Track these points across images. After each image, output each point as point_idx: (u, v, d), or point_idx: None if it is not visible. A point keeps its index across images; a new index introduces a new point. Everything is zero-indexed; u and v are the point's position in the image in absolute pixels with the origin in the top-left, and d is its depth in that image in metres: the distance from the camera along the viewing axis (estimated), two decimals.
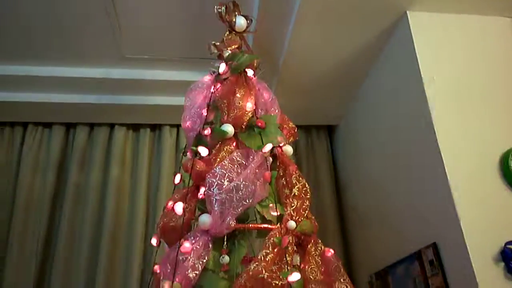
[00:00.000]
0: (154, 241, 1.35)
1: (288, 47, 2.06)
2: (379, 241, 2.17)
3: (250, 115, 1.42)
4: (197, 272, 1.14)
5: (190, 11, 2.00)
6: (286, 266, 1.15)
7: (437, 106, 1.65)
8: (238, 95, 1.41)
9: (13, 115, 2.46)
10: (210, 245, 1.20)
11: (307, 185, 1.36)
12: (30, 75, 2.27)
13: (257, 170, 1.27)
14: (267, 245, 1.18)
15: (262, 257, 1.14)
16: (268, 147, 1.34)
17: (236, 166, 1.26)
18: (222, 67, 1.56)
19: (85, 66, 2.30)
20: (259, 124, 1.40)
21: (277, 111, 1.50)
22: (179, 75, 2.39)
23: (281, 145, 1.47)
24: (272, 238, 1.19)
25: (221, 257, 1.20)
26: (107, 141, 2.57)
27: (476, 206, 1.48)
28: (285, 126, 1.54)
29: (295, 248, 1.26)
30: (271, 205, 1.28)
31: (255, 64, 1.69)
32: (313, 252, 1.31)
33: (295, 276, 1.12)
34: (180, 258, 1.14)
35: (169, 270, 1.13)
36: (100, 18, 1.97)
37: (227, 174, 1.23)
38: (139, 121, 2.63)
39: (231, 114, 1.39)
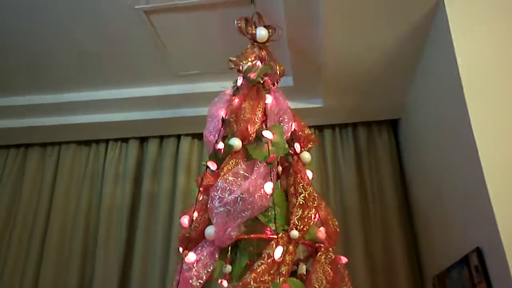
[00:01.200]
0: (181, 250, 1.46)
1: (324, 48, 2.03)
2: (439, 242, 2.02)
3: (257, 127, 1.46)
4: (201, 281, 1.23)
5: (225, 24, 2.08)
6: (278, 277, 1.17)
7: (474, 105, 1.48)
8: (245, 107, 1.45)
9: (96, 133, 2.83)
10: (217, 255, 1.28)
11: (315, 193, 1.35)
12: (106, 98, 2.58)
13: (260, 181, 1.31)
14: (263, 255, 1.21)
15: (256, 268, 1.18)
16: (273, 157, 1.37)
17: (239, 179, 1.32)
18: (239, 81, 1.62)
19: (146, 86, 2.54)
20: (267, 134, 1.42)
21: (286, 119, 1.50)
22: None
23: (297, 152, 1.48)
24: (267, 249, 1.22)
25: (224, 266, 1.27)
26: (175, 151, 2.79)
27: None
28: (300, 133, 1.54)
29: (300, 257, 1.26)
30: (269, 214, 1.30)
31: (278, 73, 1.72)
32: (323, 260, 1.30)
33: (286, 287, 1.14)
34: (185, 267, 1.24)
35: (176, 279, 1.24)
36: (146, 43, 2.16)
37: (228, 188, 1.29)
38: (201, 131, 2.81)
39: (239, 127, 1.44)
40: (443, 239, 1.93)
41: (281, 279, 1.17)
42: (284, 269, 1.20)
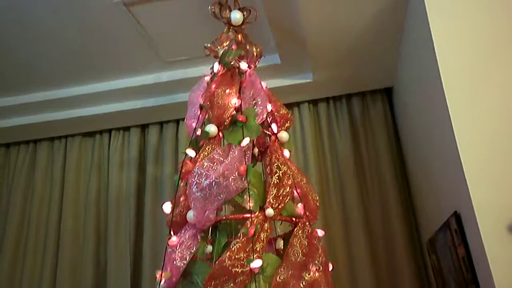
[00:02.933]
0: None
1: (303, 22, 2.03)
2: (429, 208, 2.06)
3: (232, 111, 1.50)
4: (185, 261, 1.32)
5: (206, 9, 2.10)
6: (252, 254, 1.24)
7: (449, 79, 1.49)
8: (219, 93, 1.50)
9: (99, 124, 2.93)
10: (199, 237, 1.37)
11: (289, 171, 1.41)
12: (104, 90, 2.65)
13: (234, 165, 1.37)
14: (239, 234, 1.29)
15: (231, 247, 1.26)
16: (246, 141, 1.42)
17: (215, 164, 1.38)
18: (216, 67, 1.66)
19: (140, 75, 2.60)
20: (240, 118, 1.47)
21: (260, 101, 1.54)
22: None
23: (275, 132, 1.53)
24: (243, 228, 1.29)
25: (206, 247, 1.36)
26: (175, 136, 2.87)
27: (486, 176, 1.34)
28: (276, 114, 1.58)
29: (278, 233, 1.33)
30: (245, 196, 1.37)
31: (255, 55, 1.75)
32: (300, 234, 1.37)
33: (257, 263, 1.22)
34: (169, 250, 1.33)
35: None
36: (132, 34, 2.21)
37: (204, 173, 1.36)
38: None
39: (214, 113, 1.49)
40: (431, 204, 1.97)
41: (255, 255, 1.25)
42: (258, 246, 1.27)
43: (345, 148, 2.61)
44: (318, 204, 1.55)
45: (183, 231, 1.38)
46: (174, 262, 1.31)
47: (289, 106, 2.76)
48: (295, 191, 1.49)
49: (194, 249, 1.35)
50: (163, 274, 1.32)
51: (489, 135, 1.38)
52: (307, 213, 1.49)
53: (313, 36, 2.14)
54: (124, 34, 2.21)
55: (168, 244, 1.35)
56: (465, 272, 1.45)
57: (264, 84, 1.67)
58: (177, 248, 1.33)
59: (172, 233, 1.48)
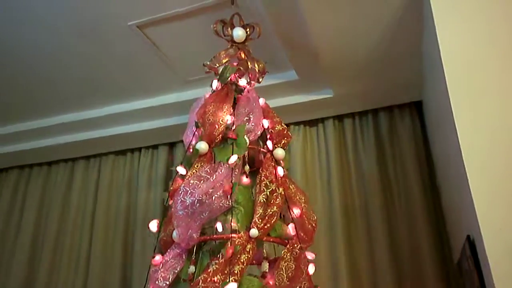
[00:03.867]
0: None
1: (314, 37, 1.97)
2: (455, 229, 1.88)
3: (223, 128, 1.48)
4: (168, 282, 1.29)
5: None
6: (229, 276, 1.19)
7: (456, 93, 1.37)
8: (209, 110, 1.48)
9: (130, 142, 3.03)
10: (184, 256, 1.34)
11: (278, 190, 1.34)
12: (129, 110, 2.76)
13: (219, 183, 1.34)
14: (218, 255, 1.24)
15: (207, 268, 1.21)
16: (233, 158, 1.38)
17: (202, 181, 1.35)
18: (215, 84, 1.65)
19: (161, 95, 2.67)
20: (230, 135, 1.44)
21: (252, 118, 1.50)
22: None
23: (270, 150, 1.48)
24: (223, 249, 1.24)
25: (188, 267, 1.32)
26: None
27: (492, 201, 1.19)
28: (271, 130, 1.53)
29: (263, 255, 1.27)
30: (228, 217, 1.32)
31: (257, 70, 1.72)
32: (288, 257, 1.29)
33: (231, 286, 1.16)
34: (152, 269, 1.31)
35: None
36: (149, 55, 2.28)
37: (189, 191, 1.33)
38: None
39: (206, 131, 1.47)
40: (456, 225, 1.80)
41: (231, 278, 1.19)
42: (237, 268, 1.22)
43: (371, 164, 2.48)
44: (315, 226, 1.46)
45: (169, 251, 1.36)
46: (157, 282, 1.29)
47: (313, 122, 2.71)
48: (290, 211, 1.42)
49: (178, 269, 1.32)
50: None
51: (497, 155, 1.24)
52: (302, 234, 1.41)
53: (326, 50, 2.08)
54: (141, 55, 2.29)
55: (152, 263, 1.34)
56: None
57: (262, 100, 1.64)
58: (161, 267, 1.31)
59: (156, 252, 1.46)
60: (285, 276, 1.25)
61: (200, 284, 1.18)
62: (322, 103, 2.50)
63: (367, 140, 2.56)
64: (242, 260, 1.24)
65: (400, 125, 2.51)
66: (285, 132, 1.59)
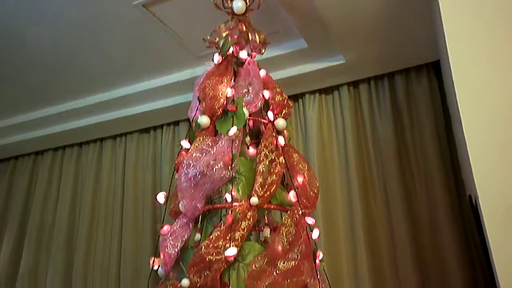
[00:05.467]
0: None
1: (319, 2, 1.94)
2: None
3: (223, 101, 1.51)
4: (177, 249, 1.37)
5: None
6: (230, 242, 1.25)
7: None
8: (209, 84, 1.51)
9: (152, 121, 3.14)
10: (191, 225, 1.41)
11: (277, 159, 1.38)
12: (147, 89, 2.84)
13: (220, 155, 1.38)
14: (220, 223, 1.30)
15: (210, 235, 1.28)
16: (233, 130, 1.42)
17: (204, 154, 1.41)
18: (216, 58, 1.67)
19: (178, 71, 2.73)
20: (230, 108, 1.47)
21: (251, 89, 1.51)
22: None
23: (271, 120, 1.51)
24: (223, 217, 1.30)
25: (195, 235, 1.39)
26: None
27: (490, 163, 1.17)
28: (272, 101, 1.55)
29: (263, 222, 1.33)
30: (229, 185, 1.37)
31: (258, 42, 1.73)
32: (288, 223, 1.34)
33: (231, 251, 1.22)
34: (162, 238, 1.40)
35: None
36: (158, 33, 2.32)
37: (192, 164, 1.39)
38: None
39: (206, 105, 1.51)
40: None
41: (232, 244, 1.25)
42: (238, 235, 1.27)
43: (387, 130, 2.45)
44: (317, 193, 1.49)
45: (176, 221, 1.44)
46: (166, 249, 1.37)
47: (328, 90, 2.69)
48: (293, 179, 1.45)
49: (186, 237, 1.40)
50: (156, 261, 1.39)
51: (496, 117, 1.21)
52: (304, 201, 1.44)
53: (333, 14, 2.03)
54: (153, 35, 2.33)
55: (161, 233, 1.42)
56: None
57: (263, 71, 1.64)
58: (169, 236, 1.39)
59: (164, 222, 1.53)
60: (285, 240, 1.30)
61: (203, 249, 1.25)
62: (334, 70, 2.47)
63: (383, 105, 2.52)
64: (242, 227, 1.29)
65: (417, 88, 2.45)
66: (285, 102, 1.60)
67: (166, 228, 1.43)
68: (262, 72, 1.63)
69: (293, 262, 1.26)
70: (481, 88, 1.30)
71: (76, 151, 3.41)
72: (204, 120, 1.50)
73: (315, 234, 1.44)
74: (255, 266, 1.25)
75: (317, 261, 1.40)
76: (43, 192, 3.34)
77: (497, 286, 1.27)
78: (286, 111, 1.59)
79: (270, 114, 1.55)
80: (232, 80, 1.58)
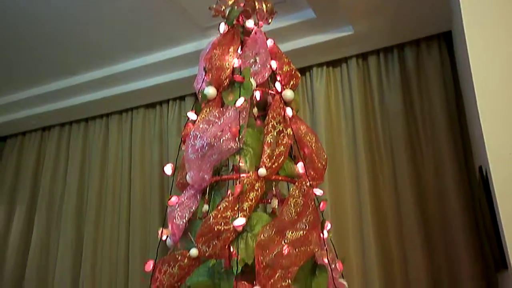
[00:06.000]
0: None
1: None
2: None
3: (230, 72, 1.48)
4: (184, 220, 1.38)
5: None
6: (238, 212, 1.25)
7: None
8: (216, 54, 1.48)
9: (157, 95, 3.11)
10: (198, 197, 1.41)
11: (285, 131, 1.36)
12: (153, 62, 2.80)
13: (227, 126, 1.37)
14: (228, 194, 1.30)
15: (218, 206, 1.28)
16: (240, 101, 1.40)
17: (211, 125, 1.39)
18: (222, 27, 1.64)
19: (184, 44, 2.69)
20: (237, 78, 1.45)
21: (258, 60, 1.48)
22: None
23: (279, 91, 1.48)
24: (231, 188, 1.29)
25: (203, 206, 1.39)
26: None
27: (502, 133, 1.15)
28: (280, 71, 1.52)
29: (270, 194, 1.32)
30: (236, 157, 1.36)
31: (265, 11, 1.68)
32: (296, 194, 1.33)
33: (239, 221, 1.22)
34: (169, 209, 1.40)
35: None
36: (162, 6, 2.27)
37: (199, 135, 1.38)
38: None
39: (213, 75, 1.49)
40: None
41: (240, 214, 1.25)
42: (246, 205, 1.27)
43: (396, 103, 2.41)
44: (325, 165, 1.48)
45: (184, 192, 1.44)
46: (174, 220, 1.38)
47: (336, 63, 2.64)
48: (300, 151, 1.44)
49: (194, 208, 1.40)
50: (164, 231, 1.40)
51: (509, 86, 1.17)
52: (312, 173, 1.43)
53: None
54: (157, 7, 2.29)
55: (168, 204, 1.42)
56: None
57: (270, 41, 1.61)
58: (177, 207, 1.40)
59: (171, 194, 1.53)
60: (293, 211, 1.30)
61: (211, 219, 1.25)
62: (343, 41, 2.41)
63: (392, 78, 2.47)
64: (250, 198, 1.29)
65: (427, 60, 2.40)
66: (293, 72, 1.57)
67: (174, 199, 1.43)
68: (270, 42, 1.60)
69: (302, 232, 1.27)
70: (496, 58, 1.26)
71: (83, 126, 3.42)
72: (210, 91, 1.48)
73: (323, 205, 1.44)
74: (263, 236, 1.25)
75: (325, 231, 1.41)
76: (51, 167, 3.37)
77: (506, 256, 1.27)
78: (294, 82, 1.56)
79: (278, 85, 1.52)
80: (239, 50, 1.54)
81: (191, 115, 1.51)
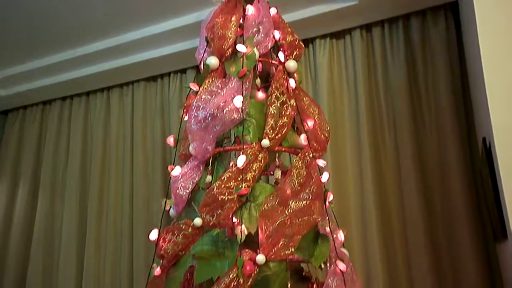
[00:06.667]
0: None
1: None
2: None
3: (232, 42, 1.46)
4: (188, 191, 1.39)
5: None
6: (242, 183, 1.25)
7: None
8: (218, 23, 1.45)
9: (158, 68, 3.08)
10: (201, 168, 1.42)
11: (289, 102, 1.35)
12: (154, 33, 2.76)
13: (230, 97, 1.36)
14: (231, 164, 1.30)
15: (222, 176, 1.28)
16: (243, 71, 1.38)
17: (213, 96, 1.38)
18: None
19: (186, 15, 2.64)
20: (240, 48, 1.42)
21: (261, 29, 1.46)
22: None
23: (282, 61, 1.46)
24: (235, 159, 1.30)
25: (206, 177, 1.40)
26: None
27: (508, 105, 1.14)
28: (283, 41, 1.49)
29: (273, 166, 1.32)
30: (240, 128, 1.35)
31: None
32: (299, 165, 1.33)
33: (243, 191, 1.22)
34: (172, 180, 1.41)
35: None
36: None
37: (202, 106, 1.37)
38: None
39: (215, 45, 1.46)
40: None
41: (244, 184, 1.26)
42: (249, 176, 1.28)
43: (400, 76, 2.38)
44: (328, 137, 1.47)
45: (187, 163, 1.44)
46: (177, 191, 1.38)
47: (340, 34, 2.61)
48: (303, 122, 1.43)
49: (197, 179, 1.41)
50: (167, 202, 1.41)
51: None
52: (315, 144, 1.43)
53: None
54: None
55: (171, 175, 1.43)
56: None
57: (273, 10, 1.58)
58: (180, 178, 1.40)
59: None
60: (296, 182, 1.30)
61: (215, 189, 1.26)
62: (346, 12, 2.37)
63: (396, 50, 2.44)
64: (254, 168, 1.29)
65: (433, 31, 2.35)
66: (296, 42, 1.54)
67: (176, 170, 1.43)
68: (273, 10, 1.57)
69: (305, 202, 1.27)
70: (505, 28, 1.23)
71: (84, 100, 3.40)
72: (213, 61, 1.46)
73: (325, 177, 1.44)
74: (266, 206, 1.26)
75: (327, 202, 1.42)
76: (53, 141, 3.38)
77: (506, 225, 1.28)
78: (297, 52, 1.54)
79: (281, 55, 1.50)
80: (242, 19, 1.51)
81: (193, 86, 1.50)
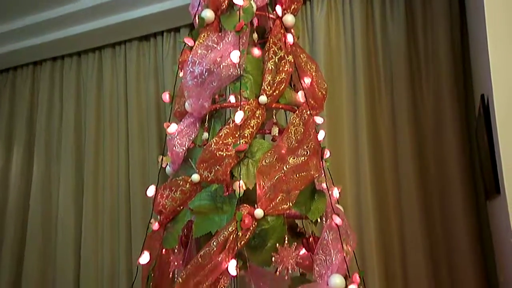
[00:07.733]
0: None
1: None
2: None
3: None
4: (184, 148, 1.38)
5: None
6: (240, 139, 1.25)
7: None
8: None
9: (151, 27, 3.00)
10: (198, 125, 1.41)
11: (287, 57, 1.33)
12: None
13: (227, 51, 1.33)
14: (228, 121, 1.29)
15: (219, 132, 1.28)
16: (239, 25, 1.35)
17: (209, 51, 1.35)
18: None
19: None
20: (236, 1, 1.38)
21: None
22: None
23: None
24: (233, 115, 1.29)
25: (202, 134, 1.39)
26: None
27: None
28: None
29: (270, 123, 1.32)
30: (237, 85, 1.33)
31: None
32: (297, 122, 1.33)
33: (240, 147, 1.22)
34: (169, 137, 1.40)
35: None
36: None
37: (197, 61, 1.34)
38: None
39: None
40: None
41: (242, 140, 1.25)
42: (247, 132, 1.28)
43: (399, 36, 2.34)
44: (325, 94, 1.46)
45: (183, 120, 1.43)
46: (174, 148, 1.38)
47: None
48: (300, 79, 1.42)
49: (193, 136, 1.40)
50: (164, 159, 1.41)
51: None
52: (312, 102, 1.42)
53: None
54: None
55: (167, 132, 1.42)
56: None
57: None
58: (176, 135, 1.40)
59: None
60: (293, 138, 1.30)
61: (212, 146, 1.26)
62: None
63: (396, 9, 2.39)
64: (252, 125, 1.29)
65: None
66: None
67: (172, 127, 1.42)
68: None
69: (302, 158, 1.28)
70: None
71: (76, 60, 3.32)
72: (208, 14, 1.42)
73: (321, 135, 1.44)
74: (264, 162, 1.26)
75: (323, 159, 1.42)
76: (46, 102, 3.32)
77: (499, 180, 1.30)
78: (295, 6, 1.49)
79: (278, 9, 1.46)
80: None
81: (188, 41, 1.46)
